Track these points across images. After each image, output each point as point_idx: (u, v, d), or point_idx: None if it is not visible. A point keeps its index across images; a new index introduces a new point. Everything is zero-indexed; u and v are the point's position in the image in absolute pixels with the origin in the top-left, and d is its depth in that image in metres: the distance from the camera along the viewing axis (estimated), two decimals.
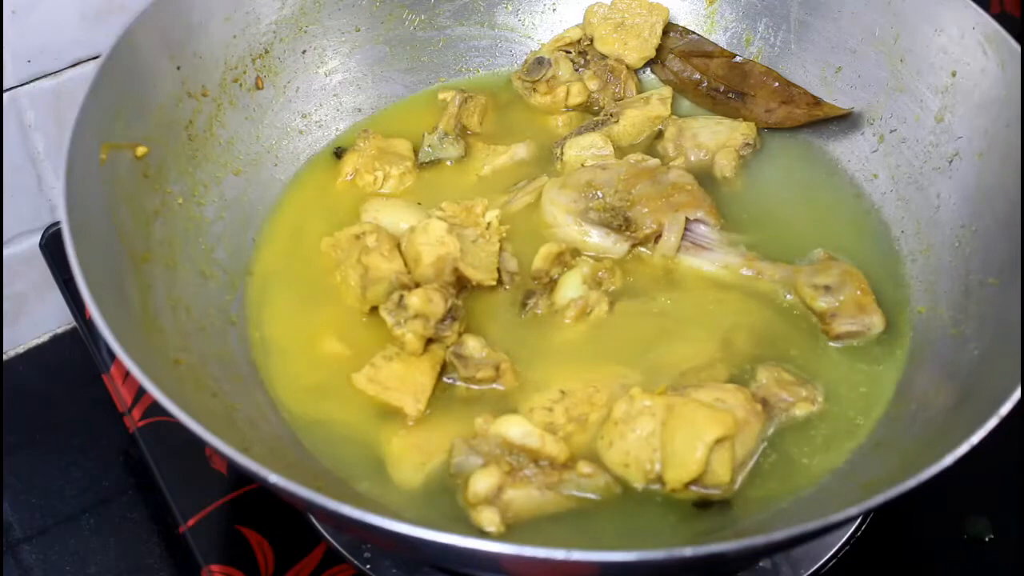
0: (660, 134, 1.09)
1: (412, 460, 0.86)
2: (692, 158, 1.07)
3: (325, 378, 0.92)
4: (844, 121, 1.08)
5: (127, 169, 0.91)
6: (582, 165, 1.04)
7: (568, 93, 1.12)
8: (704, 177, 1.04)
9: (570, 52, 1.14)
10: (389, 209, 1.02)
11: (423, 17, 1.15)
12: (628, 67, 1.14)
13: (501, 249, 0.97)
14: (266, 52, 1.06)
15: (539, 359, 0.92)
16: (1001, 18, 0.96)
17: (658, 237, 0.98)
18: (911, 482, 0.71)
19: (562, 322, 0.94)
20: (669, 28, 1.15)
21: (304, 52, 1.10)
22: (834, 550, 0.93)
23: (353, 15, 1.12)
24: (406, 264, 0.95)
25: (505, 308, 0.96)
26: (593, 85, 1.13)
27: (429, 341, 0.90)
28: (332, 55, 1.11)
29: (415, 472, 0.85)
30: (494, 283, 0.95)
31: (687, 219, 0.98)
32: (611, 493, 0.83)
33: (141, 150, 0.92)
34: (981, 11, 0.97)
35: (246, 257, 1.01)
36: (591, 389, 0.88)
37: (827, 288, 0.94)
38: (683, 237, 0.98)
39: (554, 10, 1.19)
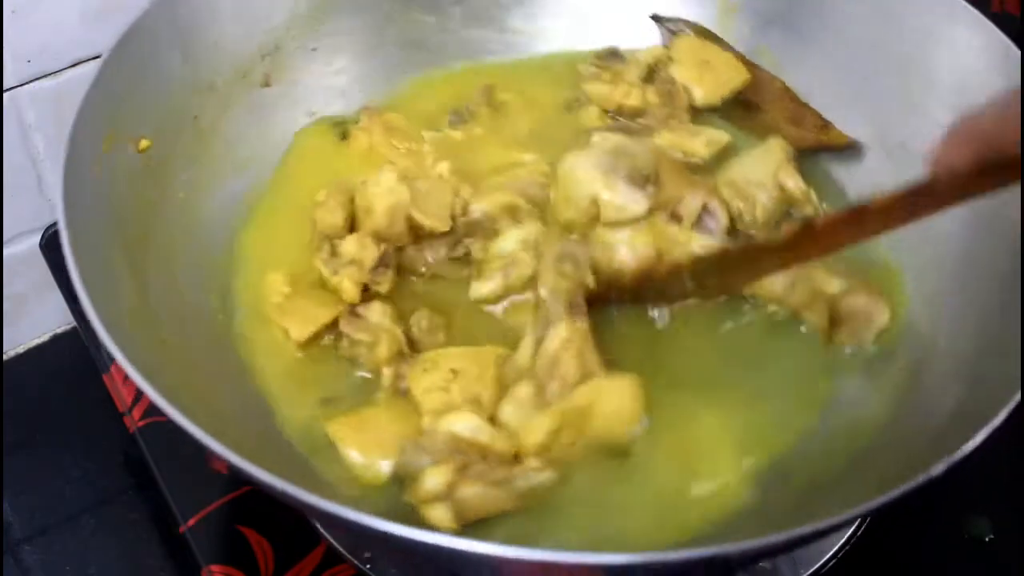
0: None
1: (367, 456, 0.86)
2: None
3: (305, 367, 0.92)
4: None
5: (130, 160, 0.91)
6: None
7: (627, 94, 1.10)
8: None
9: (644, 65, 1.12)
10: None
11: (435, 19, 1.15)
12: (691, 100, 1.10)
13: (459, 196, 0.98)
14: (276, 49, 1.06)
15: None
16: (1001, 18, 0.95)
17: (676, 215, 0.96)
18: (901, 490, 0.71)
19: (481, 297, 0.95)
20: (694, 29, 1.15)
21: (315, 50, 1.09)
22: (834, 550, 0.93)
23: (365, 15, 1.11)
24: (356, 217, 0.96)
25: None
26: (653, 99, 1.10)
27: (365, 289, 0.92)
28: (342, 54, 1.11)
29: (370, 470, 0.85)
30: (447, 230, 0.96)
31: (707, 204, 0.96)
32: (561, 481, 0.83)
33: (144, 143, 0.92)
34: (1000, 32, 0.95)
35: (247, 248, 1.00)
36: (478, 369, 0.88)
37: (834, 278, 0.92)
38: (701, 220, 0.96)
39: (570, 16, 1.18)
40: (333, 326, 0.92)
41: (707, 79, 1.11)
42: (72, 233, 0.79)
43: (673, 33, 1.16)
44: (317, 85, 1.10)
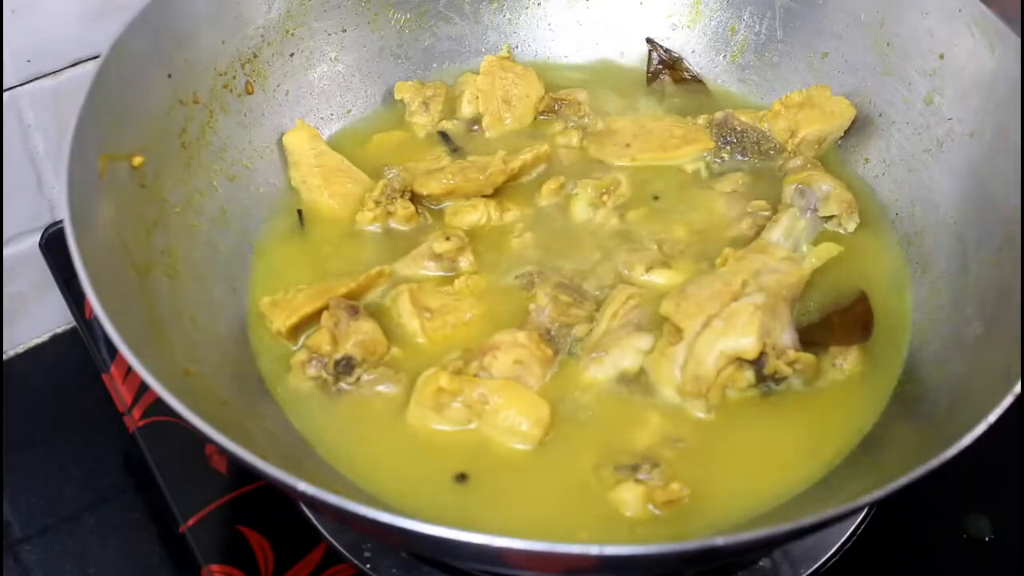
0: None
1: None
2: None
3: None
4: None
5: (125, 180, 0.91)
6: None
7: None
8: None
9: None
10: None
11: (408, 16, 1.16)
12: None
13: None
14: (255, 56, 1.06)
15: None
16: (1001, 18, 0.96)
17: None
18: (908, 478, 0.71)
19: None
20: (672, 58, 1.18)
21: (292, 55, 1.10)
22: (834, 549, 0.93)
23: (339, 16, 1.12)
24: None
25: None
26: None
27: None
28: (320, 57, 1.12)
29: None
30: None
31: None
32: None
33: (138, 160, 0.92)
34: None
35: (247, 263, 1.01)
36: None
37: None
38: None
39: (539, 4, 1.20)
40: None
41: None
42: (88, 268, 0.78)
43: (661, 58, 1.18)
44: (298, 90, 1.10)
